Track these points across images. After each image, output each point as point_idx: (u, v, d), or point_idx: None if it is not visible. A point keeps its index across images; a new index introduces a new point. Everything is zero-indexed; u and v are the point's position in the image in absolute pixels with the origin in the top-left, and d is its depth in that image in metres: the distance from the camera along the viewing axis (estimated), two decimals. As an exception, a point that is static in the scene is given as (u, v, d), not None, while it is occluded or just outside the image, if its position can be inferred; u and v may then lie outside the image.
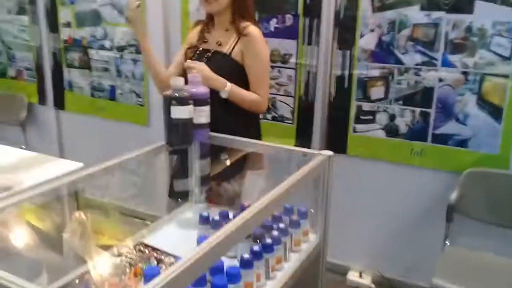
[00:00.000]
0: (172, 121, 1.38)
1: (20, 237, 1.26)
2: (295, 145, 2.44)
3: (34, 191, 1.08)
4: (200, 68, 1.65)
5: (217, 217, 1.38)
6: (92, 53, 2.94)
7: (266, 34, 2.35)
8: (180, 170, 1.61)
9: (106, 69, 2.93)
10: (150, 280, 0.72)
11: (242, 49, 1.73)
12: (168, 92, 1.38)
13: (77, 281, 1.17)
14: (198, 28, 1.87)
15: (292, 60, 2.35)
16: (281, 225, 1.33)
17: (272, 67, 2.40)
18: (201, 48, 1.81)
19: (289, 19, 2.30)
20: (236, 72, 1.75)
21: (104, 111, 2.98)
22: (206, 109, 1.49)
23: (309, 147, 2.40)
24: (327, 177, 1.37)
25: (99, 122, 3.03)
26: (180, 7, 2.58)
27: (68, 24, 3.00)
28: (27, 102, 3.36)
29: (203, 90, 1.48)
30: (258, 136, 1.92)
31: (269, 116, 2.49)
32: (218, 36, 1.79)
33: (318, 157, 1.35)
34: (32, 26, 3.20)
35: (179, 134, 1.41)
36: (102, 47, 2.91)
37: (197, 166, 1.59)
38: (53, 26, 3.09)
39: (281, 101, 2.44)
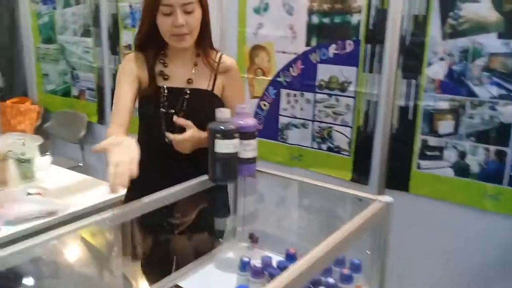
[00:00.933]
0: (216, 156, 1.28)
1: (73, 254, 1.26)
2: (352, 179, 2.27)
3: (87, 221, 1.02)
4: (192, 135, 1.40)
5: (259, 264, 1.25)
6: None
7: (325, 61, 2.24)
8: (223, 207, 1.52)
9: (162, 92, 2.93)
10: None
11: (224, 83, 1.51)
12: (212, 125, 1.29)
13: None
14: (140, 62, 1.46)
15: (351, 88, 2.20)
16: (331, 280, 1.18)
17: (329, 95, 2.27)
18: (164, 87, 1.45)
19: (349, 45, 2.17)
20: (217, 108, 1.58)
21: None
22: (253, 142, 1.38)
23: (366, 182, 2.23)
24: (386, 227, 1.20)
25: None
26: (237, 31, 2.52)
27: (128, 47, 3.05)
28: (87, 121, 3.44)
29: (250, 122, 1.37)
30: None
31: (324, 146, 2.34)
32: (184, 72, 1.48)
33: (376, 203, 1.19)
34: (95, 48, 3.28)
35: (223, 170, 1.31)
36: (159, 70, 2.91)
37: (242, 202, 1.49)
38: (115, 48, 3.15)
39: (337, 131, 2.29)
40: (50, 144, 3.49)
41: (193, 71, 1.49)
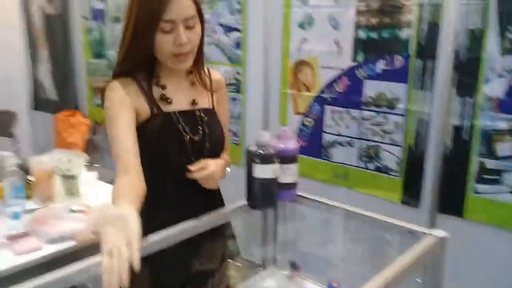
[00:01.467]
0: (254, 180, 1.23)
1: None
2: (400, 200, 2.15)
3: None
4: (213, 170, 1.27)
5: (299, 297, 1.18)
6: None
7: (372, 77, 2.15)
8: (262, 233, 1.46)
9: (205, 107, 2.92)
10: None
11: (218, 99, 1.39)
12: (251, 148, 1.24)
13: None
14: (131, 89, 1.22)
15: (401, 105, 2.09)
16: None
17: (377, 112, 2.16)
18: (176, 112, 1.26)
19: (398, 61, 2.06)
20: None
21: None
22: (294, 167, 1.31)
23: (417, 205, 2.10)
24: (440, 265, 1.10)
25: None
26: (281, 45, 2.47)
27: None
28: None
29: (292, 146, 1.31)
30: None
31: (371, 166, 2.23)
32: (184, 93, 1.31)
33: (428, 237, 1.09)
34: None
35: (261, 195, 1.25)
36: (203, 85, 2.91)
37: (282, 229, 1.42)
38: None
39: (386, 150, 2.18)
40: (99, 157, 3.57)
41: (192, 91, 1.33)
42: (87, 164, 2.10)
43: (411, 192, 2.11)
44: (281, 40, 2.47)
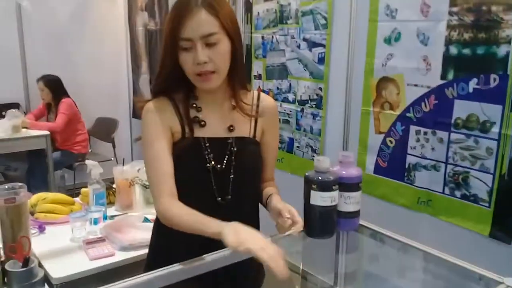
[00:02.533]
0: (311, 208, 1.18)
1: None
2: (490, 234, 1.93)
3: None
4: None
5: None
6: (277, 105, 2.95)
7: (463, 96, 1.98)
8: (321, 263, 1.40)
9: (287, 122, 2.91)
10: None
11: (264, 127, 1.29)
12: (309, 174, 1.20)
13: None
14: (166, 109, 1.20)
15: (495, 129, 1.88)
16: None
17: (467, 135, 1.98)
18: (205, 138, 1.20)
19: (494, 80, 1.87)
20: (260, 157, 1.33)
21: (281, 162, 2.95)
22: (356, 195, 1.24)
23: (509, 241, 1.88)
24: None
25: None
26: (364, 61, 2.38)
27: (259, 76, 3.11)
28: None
29: (354, 173, 1.24)
30: None
31: (457, 193, 2.04)
32: (222, 117, 1.24)
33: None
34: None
35: (319, 223, 1.20)
36: (286, 100, 2.91)
37: (342, 260, 1.35)
38: (247, 77, 3.25)
39: (475, 177, 1.97)
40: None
41: (231, 115, 1.25)
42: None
43: (502, 226, 1.89)
44: (365, 55, 2.37)
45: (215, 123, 1.23)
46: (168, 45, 1.15)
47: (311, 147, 2.77)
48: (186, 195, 1.20)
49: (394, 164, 2.29)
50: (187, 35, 1.11)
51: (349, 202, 1.23)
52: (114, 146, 4.38)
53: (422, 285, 1.29)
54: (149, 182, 1.19)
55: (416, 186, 2.20)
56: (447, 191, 2.09)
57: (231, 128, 1.24)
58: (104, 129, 4.50)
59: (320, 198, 1.17)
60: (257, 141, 1.30)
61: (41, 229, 1.78)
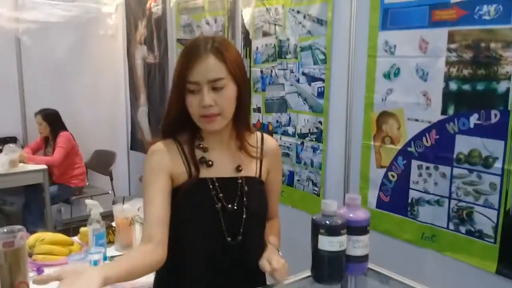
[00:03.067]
0: (319, 253, 1.16)
1: None
2: (497, 271, 1.90)
3: None
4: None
5: None
6: (276, 138, 2.95)
7: (464, 131, 1.98)
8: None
9: (287, 155, 2.90)
10: None
11: (268, 167, 1.32)
12: (317, 217, 1.18)
13: None
14: (171, 151, 1.22)
15: (498, 164, 1.88)
16: None
17: (470, 170, 1.97)
18: (214, 178, 1.21)
19: (495, 116, 1.87)
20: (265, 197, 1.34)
21: (282, 196, 2.92)
22: (364, 238, 1.22)
23: (517, 278, 1.84)
24: None
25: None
26: (364, 96, 2.39)
27: (258, 109, 3.12)
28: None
29: (362, 216, 1.22)
30: None
31: (462, 229, 2.02)
32: (229, 158, 1.26)
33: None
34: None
35: (327, 269, 1.18)
36: (285, 133, 2.91)
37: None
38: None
39: (479, 213, 1.96)
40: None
41: (237, 156, 1.26)
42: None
43: (508, 263, 1.86)
44: (365, 90, 2.39)
45: (223, 163, 1.24)
46: (176, 87, 1.18)
47: (312, 180, 2.75)
48: (195, 237, 1.22)
49: (396, 199, 2.27)
50: (195, 79, 1.14)
51: (358, 246, 1.21)
52: (111, 179, 4.34)
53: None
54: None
55: (420, 221, 2.18)
56: (451, 226, 2.06)
57: (240, 168, 1.25)
58: (102, 161, 4.48)
59: (328, 243, 1.15)
60: (263, 181, 1.31)
61: (40, 271, 1.73)
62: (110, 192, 4.28)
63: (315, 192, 2.74)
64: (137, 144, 4.66)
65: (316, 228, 1.16)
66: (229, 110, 1.19)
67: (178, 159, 1.21)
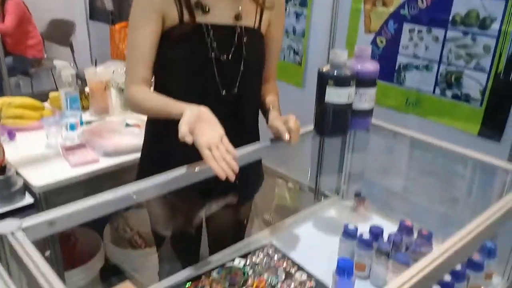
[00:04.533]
0: (325, 106, 1.08)
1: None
2: (479, 133, 1.93)
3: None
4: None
5: (367, 235, 1.07)
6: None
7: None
8: (330, 160, 1.33)
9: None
10: None
11: (270, 19, 1.18)
12: (324, 69, 1.08)
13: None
14: None
15: (495, 26, 1.79)
16: (456, 266, 0.98)
17: (465, 32, 1.88)
18: (208, 25, 1.08)
19: (499, -30, 1.74)
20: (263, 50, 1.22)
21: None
22: (372, 92, 1.15)
23: (498, 139, 1.88)
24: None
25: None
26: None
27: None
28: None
29: (371, 67, 1.14)
30: None
31: (448, 93, 2.00)
32: (229, 4, 1.10)
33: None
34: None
35: (333, 122, 1.11)
36: None
37: (349, 158, 1.29)
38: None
39: (469, 77, 1.92)
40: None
41: (239, 3, 1.11)
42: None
43: (492, 124, 1.88)
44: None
45: (221, 9, 1.09)
46: None
47: (293, 49, 2.62)
48: (186, 88, 1.11)
49: (384, 65, 2.17)
50: None
51: (365, 99, 1.14)
52: (72, 51, 4.04)
53: (434, 176, 1.26)
54: (125, 69, 1.11)
55: (406, 87, 2.14)
56: (437, 91, 2.04)
57: (238, 16, 1.11)
58: (60, 32, 4.12)
59: (336, 95, 1.07)
60: (263, 34, 1.18)
61: (11, 135, 1.61)
62: (72, 64, 4.01)
63: (296, 61, 2.62)
64: (97, 13, 4.26)
65: (324, 80, 1.07)
66: None
67: (170, 0, 1.06)
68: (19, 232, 0.69)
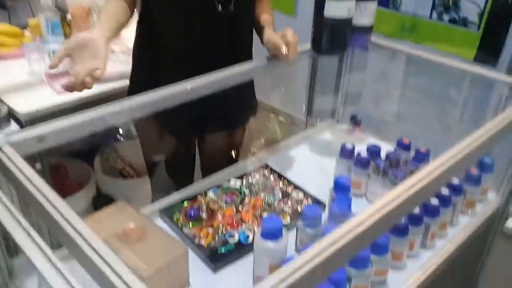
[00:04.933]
0: (324, 21, 1.03)
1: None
2: (475, 58, 1.89)
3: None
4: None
5: (364, 154, 1.06)
6: None
7: None
8: (325, 82, 1.29)
9: None
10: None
11: None
12: (324, -21, 1.01)
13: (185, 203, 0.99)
14: None
15: None
16: (454, 180, 0.98)
17: (465, -49, 1.79)
18: None
19: None
20: None
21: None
22: (373, 6, 1.09)
23: (494, 64, 1.85)
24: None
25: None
26: None
27: None
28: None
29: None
30: None
31: (445, 17, 1.93)
32: None
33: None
34: None
35: (331, 38, 1.06)
36: None
37: (346, 79, 1.25)
38: None
39: (467, 0, 1.85)
40: None
41: None
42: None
43: (489, 48, 1.85)
44: None
45: None
46: None
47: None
48: (182, 4, 1.06)
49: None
50: None
51: (365, 14, 1.09)
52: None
53: (431, 96, 1.24)
54: None
55: (402, 13, 2.07)
56: (434, 15, 1.97)
57: None
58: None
59: (336, 9, 1.01)
60: None
61: (-9, 64, 1.53)
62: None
63: (287, -14, 2.50)
64: None
65: (323, -9, 1.00)
66: None
67: None
68: (7, 147, 0.65)
